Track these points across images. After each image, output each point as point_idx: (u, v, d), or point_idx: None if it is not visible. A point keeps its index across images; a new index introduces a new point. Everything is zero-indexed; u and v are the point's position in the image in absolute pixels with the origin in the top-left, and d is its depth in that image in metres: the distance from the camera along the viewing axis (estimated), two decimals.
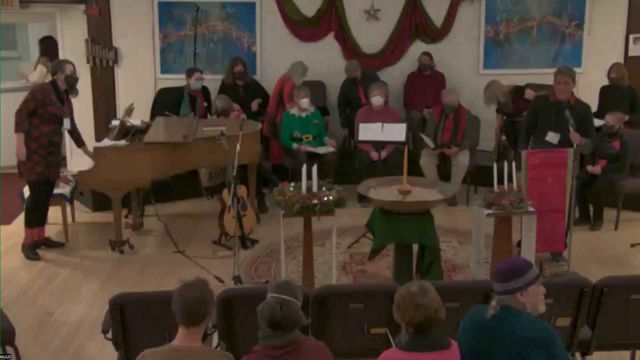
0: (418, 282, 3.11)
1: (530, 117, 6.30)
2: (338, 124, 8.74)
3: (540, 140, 6.06)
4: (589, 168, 7.00)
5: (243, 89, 8.28)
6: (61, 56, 8.83)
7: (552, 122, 6.01)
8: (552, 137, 6.00)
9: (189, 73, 7.93)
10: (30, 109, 6.21)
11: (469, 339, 3.14)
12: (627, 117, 7.77)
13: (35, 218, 6.45)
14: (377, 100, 7.77)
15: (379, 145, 7.23)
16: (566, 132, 5.86)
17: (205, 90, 8.14)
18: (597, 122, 7.86)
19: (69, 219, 6.99)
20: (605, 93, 8.04)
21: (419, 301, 2.96)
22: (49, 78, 6.94)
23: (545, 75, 7.70)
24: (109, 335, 3.98)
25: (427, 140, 7.70)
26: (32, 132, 6.22)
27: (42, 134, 6.24)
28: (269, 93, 8.48)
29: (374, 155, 7.68)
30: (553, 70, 8.53)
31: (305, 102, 7.81)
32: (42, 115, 6.24)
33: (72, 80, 6.40)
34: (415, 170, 7.37)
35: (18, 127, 6.20)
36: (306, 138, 7.90)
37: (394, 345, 3.20)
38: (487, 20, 8.93)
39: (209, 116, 8.10)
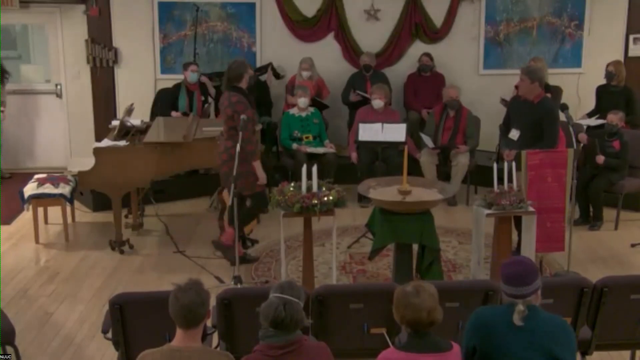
0: (417, 282, 3.11)
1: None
2: (338, 121, 8.74)
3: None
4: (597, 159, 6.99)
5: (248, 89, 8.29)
6: (61, 57, 8.86)
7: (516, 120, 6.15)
8: (514, 134, 6.09)
9: (185, 66, 8.09)
10: (253, 130, 5.94)
11: (493, 344, 3.08)
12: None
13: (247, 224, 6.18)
14: (377, 103, 7.78)
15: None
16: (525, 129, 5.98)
17: (202, 86, 8.18)
18: (595, 122, 7.91)
19: (69, 219, 6.99)
20: (601, 93, 8.05)
21: (410, 300, 2.98)
22: None
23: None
24: (109, 335, 3.98)
25: (427, 139, 7.71)
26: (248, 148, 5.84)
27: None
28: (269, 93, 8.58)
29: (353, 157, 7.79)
30: (553, 70, 8.65)
31: (302, 101, 7.82)
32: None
33: (253, 80, 5.96)
34: (415, 170, 7.38)
35: (255, 156, 5.86)
36: (306, 138, 7.90)
37: (391, 345, 3.21)
38: (487, 20, 8.93)
39: (208, 108, 8.18)
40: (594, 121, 7.92)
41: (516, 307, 3.05)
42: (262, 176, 5.95)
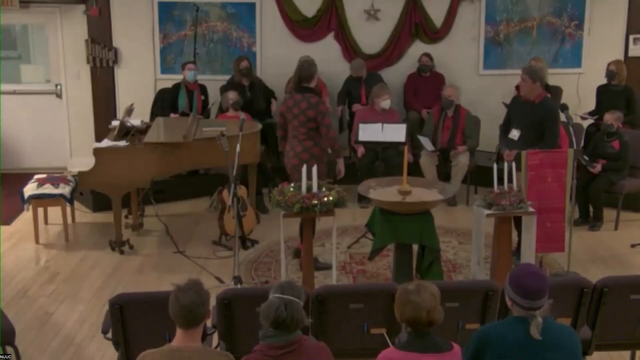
0: (419, 281, 3.11)
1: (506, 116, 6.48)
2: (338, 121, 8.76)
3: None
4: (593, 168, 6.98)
5: (249, 89, 8.29)
6: (61, 57, 8.87)
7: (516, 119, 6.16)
8: (514, 134, 6.10)
9: (183, 66, 8.17)
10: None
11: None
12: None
13: None
14: (387, 104, 7.77)
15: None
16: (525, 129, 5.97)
17: (202, 86, 8.24)
18: (591, 120, 7.91)
19: (69, 219, 6.99)
20: (601, 93, 8.05)
21: (410, 298, 2.98)
22: None
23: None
24: (109, 335, 3.98)
25: (426, 142, 7.69)
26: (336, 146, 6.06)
27: None
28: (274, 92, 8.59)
29: (360, 151, 7.78)
30: (553, 70, 8.65)
31: None
32: None
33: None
34: (415, 170, 7.38)
35: (340, 152, 6.11)
36: None
37: (391, 345, 3.21)
38: (487, 20, 8.93)
39: (210, 110, 8.21)
40: (591, 120, 7.94)
41: (534, 320, 2.99)
42: (342, 171, 6.19)
